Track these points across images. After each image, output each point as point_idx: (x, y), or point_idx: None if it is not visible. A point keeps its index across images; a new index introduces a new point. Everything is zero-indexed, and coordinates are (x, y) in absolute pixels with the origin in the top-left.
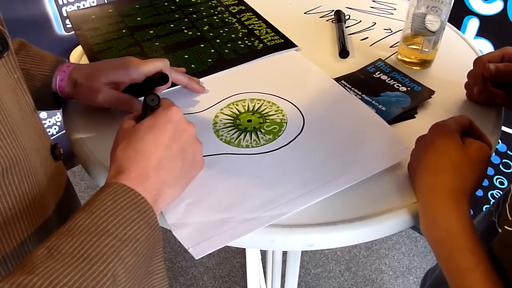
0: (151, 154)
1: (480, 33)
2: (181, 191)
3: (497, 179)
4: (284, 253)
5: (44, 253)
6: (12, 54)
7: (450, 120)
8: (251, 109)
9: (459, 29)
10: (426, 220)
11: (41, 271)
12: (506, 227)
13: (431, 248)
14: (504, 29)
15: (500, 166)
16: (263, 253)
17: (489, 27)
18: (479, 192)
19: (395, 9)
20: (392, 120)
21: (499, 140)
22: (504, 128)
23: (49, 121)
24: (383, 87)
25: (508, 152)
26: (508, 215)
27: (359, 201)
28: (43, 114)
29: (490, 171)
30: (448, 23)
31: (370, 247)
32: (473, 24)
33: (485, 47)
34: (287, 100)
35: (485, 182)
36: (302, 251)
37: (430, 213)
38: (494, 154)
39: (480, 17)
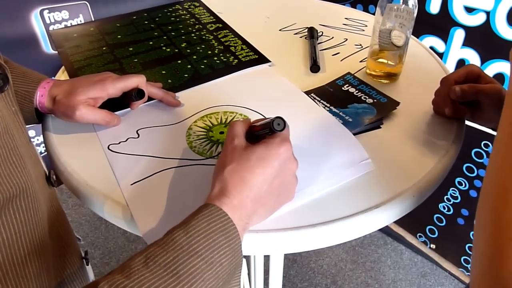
0: (255, 187)
1: (466, 43)
2: (264, 219)
3: None
4: (267, 269)
5: (141, 261)
6: (11, 88)
7: None
8: (223, 121)
9: (446, 40)
10: None
11: (136, 278)
12: None
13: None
14: (488, 40)
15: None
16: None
17: (475, 37)
18: None
19: (366, 25)
20: (359, 131)
21: None
22: None
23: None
24: (350, 99)
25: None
26: None
27: (322, 206)
28: (35, 131)
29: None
30: (413, 37)
31: (356, 260)
32: (459, 35)
33: (472, 56)
34: (258, 113)
35: None
36: (287, 265)
37: None
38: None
39: (466, 28)
